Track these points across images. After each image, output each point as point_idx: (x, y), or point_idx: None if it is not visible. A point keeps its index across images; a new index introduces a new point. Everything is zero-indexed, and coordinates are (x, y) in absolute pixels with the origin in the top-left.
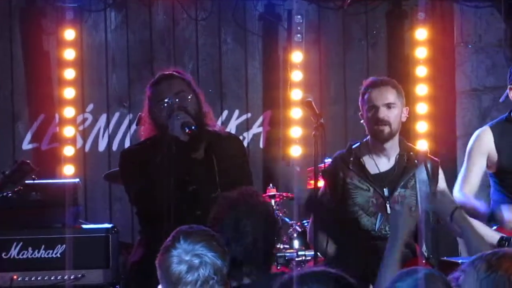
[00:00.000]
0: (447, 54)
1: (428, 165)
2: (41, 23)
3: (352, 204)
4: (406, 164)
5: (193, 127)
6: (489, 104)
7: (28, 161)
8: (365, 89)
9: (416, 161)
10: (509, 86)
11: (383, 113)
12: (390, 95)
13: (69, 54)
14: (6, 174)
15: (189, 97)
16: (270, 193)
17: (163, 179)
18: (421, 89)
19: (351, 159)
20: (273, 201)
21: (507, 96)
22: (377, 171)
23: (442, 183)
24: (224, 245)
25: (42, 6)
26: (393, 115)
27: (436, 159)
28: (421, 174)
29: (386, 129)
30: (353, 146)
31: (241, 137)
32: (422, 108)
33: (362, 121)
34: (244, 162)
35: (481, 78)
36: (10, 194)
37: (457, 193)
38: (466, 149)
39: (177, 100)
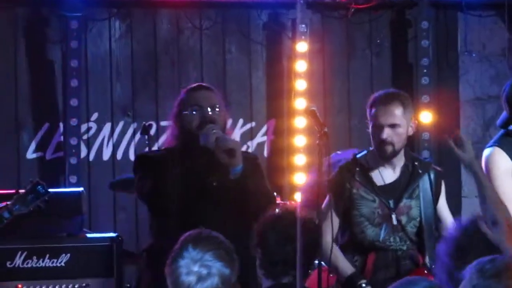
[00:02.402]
0: (451, 63)
1: (432, 175)
2: (45, 32)
3: (358, 215)
4: (411, 174)
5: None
6: (492, 114)
7: (42, 182)
8: (372, 103)
9: (420, 171)
10: None
11: (387, 133)
12: (397, 113)
13: (74, 63)
14: (20, 195)
15: (221, 114)
16: None
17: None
18: (425, 98)
19: (357, 169)
20: (277, 210)
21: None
22: (383, 183)
23: (443, 195)
24: (232, 253)
25: (47, 15)
26: (397, 135)
27: (439, 169)
28: (425, 184)
29: (389, 149)
30: (358, 156)
31: (245, 146)
32: (426, 117)
33: (368, 130)
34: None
35: (485, 87)
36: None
37: None
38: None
39: (210, 112)
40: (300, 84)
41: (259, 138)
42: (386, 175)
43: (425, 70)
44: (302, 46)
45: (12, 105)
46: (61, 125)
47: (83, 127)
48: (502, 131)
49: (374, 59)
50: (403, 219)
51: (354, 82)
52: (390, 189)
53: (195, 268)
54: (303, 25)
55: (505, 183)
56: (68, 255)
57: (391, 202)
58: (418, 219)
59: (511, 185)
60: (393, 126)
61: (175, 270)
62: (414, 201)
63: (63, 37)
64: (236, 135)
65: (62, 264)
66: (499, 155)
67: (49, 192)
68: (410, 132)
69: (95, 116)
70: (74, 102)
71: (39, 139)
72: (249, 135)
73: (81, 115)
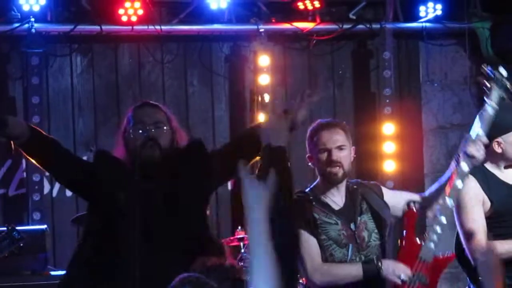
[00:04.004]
0: (414, 92)
1: (375, 190)
2: (6, 69)
3: (326, 239)
4: (352, 193)
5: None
6: (456, 142)
7: (17, 227)
8: (314, 131)
9: (355, 187)
10: (495, 141)
11: (336, 155)
12: (340, 137)
13: (35, 99)
14: None
15: (167, 131)
16: (238, 236)
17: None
18: (388, 128)
19: (311, 198)
20: (242, 244)
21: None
22: (338, 207)
23: (386, 191)
24: None
25: (7, 51)
26: (344, 156)
27: (372, 182)
28: (369, 196)
29: (340, 171)
30: (306, 190)
31: None
32: (389, 147)
33: (310, 164)
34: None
35: (448, 116)
36: None
37: (483, 245)
38: (456, 203)
39: (153, 130)
40: (263, 116)
41: None
42: (336, 200)
43: (387, 100)
44: (264, 78)
45: None
46: (23, 161)
47: None
48: None
49: (337, 90)
50: (365, 234)
51: (317, 113)
52: (345, 211)
53: None
54: (265, 57)
55: (475, 211)
56: None
57: (351, 223)
58: (376, 230)
59: (481, 213)
60: (339, 148)
61: None
62: (365, 215)
63: (24, 73)
64: None
65: None
66: (472, 183)
67: (23, 238)
68: (351, 158)
69: None
70: None
71: (2, 176)
72: None
73: None
